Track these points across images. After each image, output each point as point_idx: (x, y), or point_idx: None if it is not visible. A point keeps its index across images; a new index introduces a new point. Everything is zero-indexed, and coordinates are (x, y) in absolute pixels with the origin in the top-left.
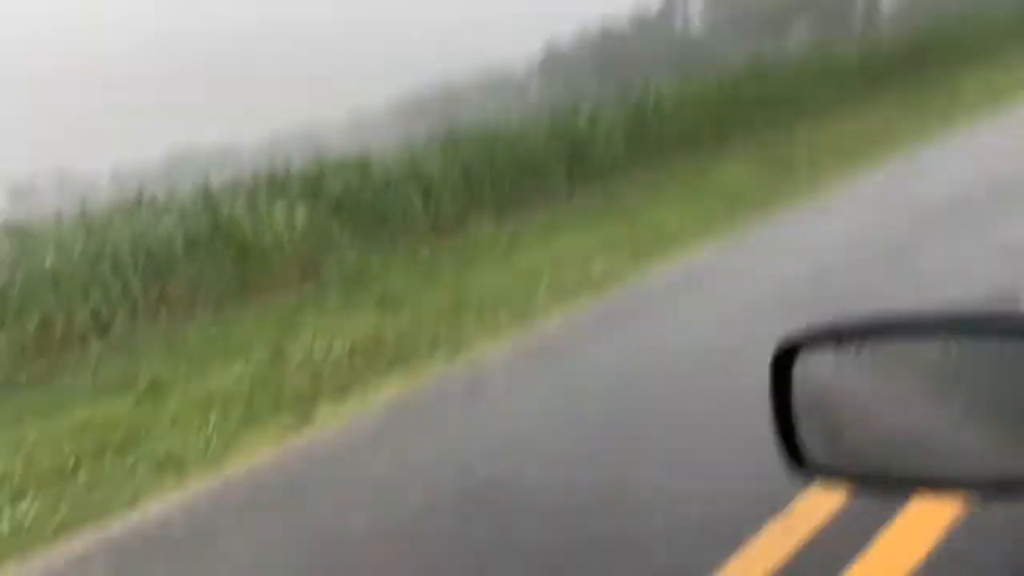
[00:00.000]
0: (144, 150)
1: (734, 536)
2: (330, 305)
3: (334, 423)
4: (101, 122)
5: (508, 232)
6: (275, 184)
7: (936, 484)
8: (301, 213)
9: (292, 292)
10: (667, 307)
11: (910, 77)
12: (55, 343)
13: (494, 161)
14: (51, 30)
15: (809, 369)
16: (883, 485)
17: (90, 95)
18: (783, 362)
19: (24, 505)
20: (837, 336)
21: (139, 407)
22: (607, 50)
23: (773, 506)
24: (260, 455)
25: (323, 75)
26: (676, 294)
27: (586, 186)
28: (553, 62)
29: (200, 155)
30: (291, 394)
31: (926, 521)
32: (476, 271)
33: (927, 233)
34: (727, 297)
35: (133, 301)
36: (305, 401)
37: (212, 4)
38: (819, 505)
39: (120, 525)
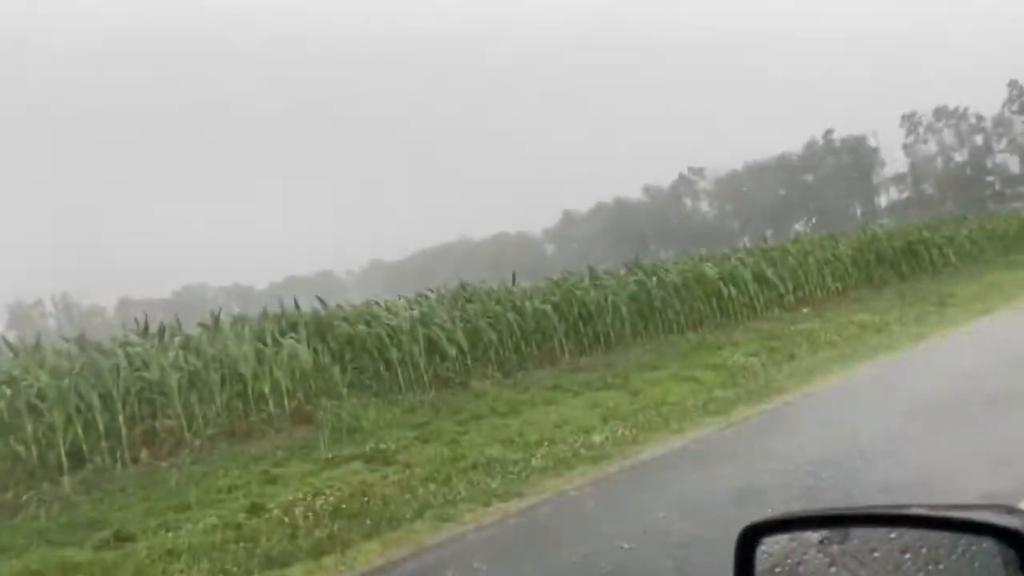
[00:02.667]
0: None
1: None
2: (319, 456)
3: None
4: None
5: (511, 390)
6: (283, 323)
7: None
8: (305, 355)
9: (285, 436)
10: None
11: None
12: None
13: (501, 321)
14: None
15: (772, 556)
16: None
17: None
18: (747, 546)
19: None
20: (800, 524)
21: (99, 554)
22: (621, 221)
23: None
24: None
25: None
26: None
27: (591, 353)
28: (569, 229)
29: (210, 294)
30: (264, 554)
31: None
32: (475, 430)
33: None
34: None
35: (116, 436)
36: (276, 564)
37: None
38: None
39: None
